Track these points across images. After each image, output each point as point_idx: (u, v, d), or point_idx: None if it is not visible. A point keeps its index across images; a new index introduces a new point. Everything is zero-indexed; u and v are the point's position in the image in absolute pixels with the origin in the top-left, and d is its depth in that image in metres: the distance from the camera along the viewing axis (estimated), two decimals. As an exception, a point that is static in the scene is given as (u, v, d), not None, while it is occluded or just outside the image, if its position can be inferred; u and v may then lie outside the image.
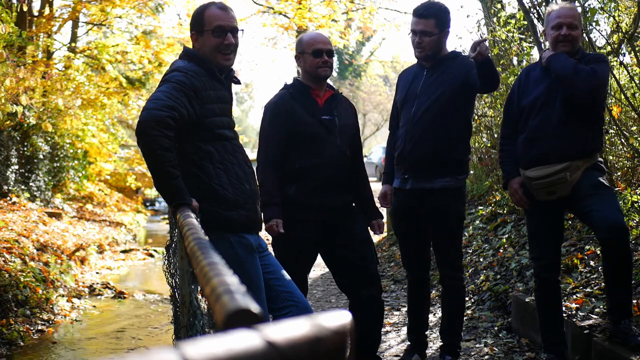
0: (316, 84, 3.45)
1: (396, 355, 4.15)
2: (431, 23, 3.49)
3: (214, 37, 2.74)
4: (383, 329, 4.85)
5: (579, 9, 5.10)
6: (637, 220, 4.29)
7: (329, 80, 3.56)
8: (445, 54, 3.60)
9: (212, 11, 2.77)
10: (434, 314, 4.99)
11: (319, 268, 6.50)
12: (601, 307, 3.63)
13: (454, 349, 3.71)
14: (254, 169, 2.96)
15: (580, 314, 3.69)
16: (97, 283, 7.64)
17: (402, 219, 3.75)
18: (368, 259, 3.47)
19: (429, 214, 3.62)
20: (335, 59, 3.58)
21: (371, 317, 3.45)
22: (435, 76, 3.57)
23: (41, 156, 11.69)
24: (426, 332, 3.94)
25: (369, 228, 3.61)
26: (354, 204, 3.58)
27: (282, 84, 3.58)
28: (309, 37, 3.46)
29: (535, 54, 6.20)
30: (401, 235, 3.81)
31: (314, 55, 3.38)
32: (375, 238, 8.67)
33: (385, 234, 8.87)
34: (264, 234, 3.24)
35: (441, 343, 3.77)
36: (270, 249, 3.22)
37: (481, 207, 7.09)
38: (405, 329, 4.46)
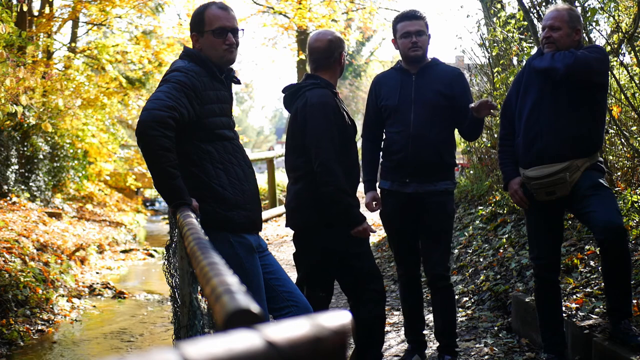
0: (336, 83, 3.46)
1: (396, 355, 4.15)
2: (422, 23, 3.65)
3: (214, 37, 2.74)
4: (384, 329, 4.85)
5: (579, 9, 5.11)
6: (637, 220, 4.29)
7: None
8: (427, 60, 3.72)
9: (213, 11, 2.77)
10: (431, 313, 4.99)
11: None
12: (601, 307, 3.64)
13: (452, 348, 3.74)
14: (253, 168, 2.95)
15: (580, 314, 3.69)
16: (97, 283, 7.64)
17: (399, 219, 3.78)
18: (370, 254, 3.51)
19: (427, 214, 3.68)
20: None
21: (373, 313, 3.44)
22: (426, 82, 3.66)
23: (41, 156, 11.69)
24: (424, 332, 3.96)
25: None
26: None
27: (303, 81, 3.45)
28: (340, 36, 3.47)
29: (535, 54, 6.20)
30: (397, 234, 3.84)
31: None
32: (376, 238, 8.67)
33: (385, 234, 8.87)
34: (263, 234, 3.24)
35: (439, 344, 3.79)
36: (273, 251, 3.22)
37: (481, 207, 7.09)
38: (405, 329, 4.46)
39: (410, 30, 3.61)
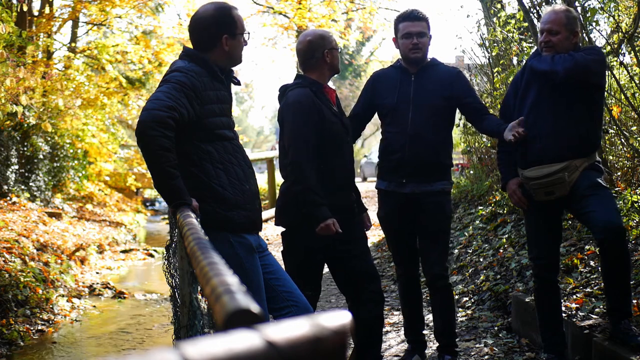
0: (327, 81, 3.45)
1: (396, 355, 4.15)
2: (424, 25, 3.66)
3: (243, 41, 2.78)
4: (383, 329, 4.85)
5: (579, 9, 5.11)
6: (637, 220, 4.29)
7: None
8: (427, 61, 3.72)
9: (239, 13, 2.80)
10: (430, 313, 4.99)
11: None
12: (601, 307, 3.64)
13: (452, 348, 3.74)
14: (253, 168, 2.95)
15: (580, 314, 3.69)
16: (97, 283, 7.64)
17: (398, 220, 3.78)
18: (369, 255, 3.51)
19: (424, 214, 3.69)
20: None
21: (373, 313, 3.45)
22: (425, 82, 3.67)
23: (41, 156, 11.69)
24: (424, 332, 3.97)
25: None
26: None
27: (292, 81, 3.49)
28: (330, 33, 3.47)
29: (535, 54, 6.20)
30: (396, 234, 3.84)
31: (337, 49, 3.41)
32: (376, 238, 8.66)
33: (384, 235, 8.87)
34: (263, 234, 3.24)
35: (439, 344, 3.79)
36: (273, 251, 3.22)
37: (481, 207, 7.09)
38: (405, 329, 4.46)
39: (411, 31, 3.61)
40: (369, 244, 6.64)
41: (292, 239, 3.39)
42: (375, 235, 8.54)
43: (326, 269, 3.58)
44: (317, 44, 3.36)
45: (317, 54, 3.35)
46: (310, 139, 3.25)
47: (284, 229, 3.45)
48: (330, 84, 3.53)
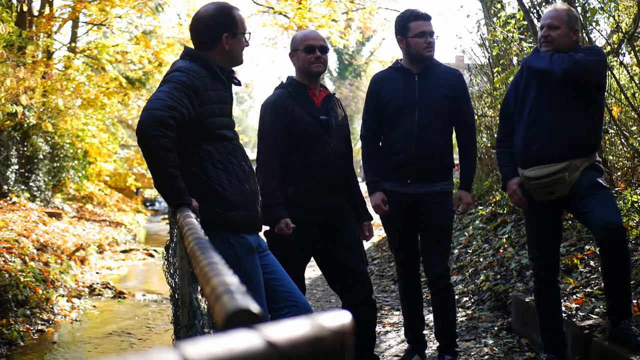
0: (311, 83, 3.45)
1: (396, 355, 4.16)
2: (432, 24, 3.69)
3: (244, 41, 2.77)
4: (383, 329, 4.85)
5: (579, 9, 5.11)
6: (637, 220, 4.29)
7: (327, 81, 3.58)
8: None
9: (240, 14, 2.79)
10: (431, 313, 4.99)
11: (318, 268, 6.45)
12: (601, 307, 3.64)
13: (452, 348, 3.74)
14: (254, 169, 2.96)
15: (580, 314, 3.69)
16: (97, 283, 7.64)
17: (402, 220, 3.77)
18: (360, 260, 3.49)
19: (427, 214, 3.69)
20: (335, 58, 3.61)
21: (364, 316, 3.45)
22: (429, 82, 3.67)
23: (41, 156, 11.70)
24: (424, 332, 3.97)
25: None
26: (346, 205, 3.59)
27: (279, 83, 3.58)
28: (302, 34, 3.48)
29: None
30: (399, 234, 3.84)
31: (306, 51, 3.39)
32: (376, 238, 8.66)
33: (385, 235, 8.86)
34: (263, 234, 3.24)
35: (439, 344, 3.79)
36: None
37: (481, 207, 7.09)
38: (405, 329, 4.46)
39: (425, 30, 3.62)
40: (369, 244, 6.67)
41: (273, 237, 3.40)
42: (375, 235, 8.54)
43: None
44: (291, 45, 3.48)
45: (290, 52, 3.43)
46: (270, 139, 3.34)
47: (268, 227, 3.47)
48: (330, 84, 3.55)
